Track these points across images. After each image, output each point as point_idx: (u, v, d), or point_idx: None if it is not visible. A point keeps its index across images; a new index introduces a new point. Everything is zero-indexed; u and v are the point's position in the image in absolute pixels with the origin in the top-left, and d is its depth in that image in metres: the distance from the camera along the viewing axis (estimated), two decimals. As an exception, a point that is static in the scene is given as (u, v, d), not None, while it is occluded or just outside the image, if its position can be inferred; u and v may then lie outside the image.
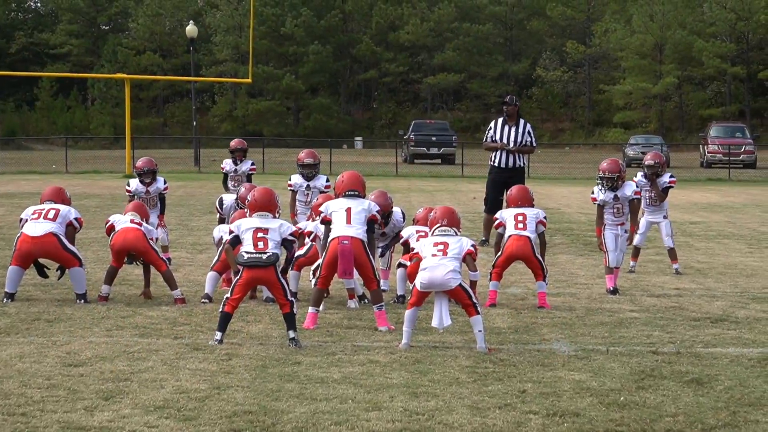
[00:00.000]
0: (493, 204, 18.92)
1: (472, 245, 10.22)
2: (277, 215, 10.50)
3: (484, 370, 8.89)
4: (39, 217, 12.28)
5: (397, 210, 12.79)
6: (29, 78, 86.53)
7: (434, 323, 9.92)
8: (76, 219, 12.45)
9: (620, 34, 79.09)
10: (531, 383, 8.46)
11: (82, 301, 12.06)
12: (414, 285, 10.02)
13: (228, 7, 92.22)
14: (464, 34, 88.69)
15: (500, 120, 19.14)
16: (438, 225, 10.28)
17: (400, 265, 12.28)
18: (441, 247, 9.99)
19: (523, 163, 19.31)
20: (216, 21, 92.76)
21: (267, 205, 10.46)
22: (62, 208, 12.47)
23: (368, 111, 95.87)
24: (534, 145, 19.27)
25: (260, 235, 10.14)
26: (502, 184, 18.87)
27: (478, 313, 9.78)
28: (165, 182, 16.09)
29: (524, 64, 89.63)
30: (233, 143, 18.23)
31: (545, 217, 12.59)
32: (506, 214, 12.68)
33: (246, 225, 10.27)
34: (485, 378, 8.63)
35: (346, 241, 10.85)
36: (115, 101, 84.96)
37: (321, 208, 11.42)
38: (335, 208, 11.18)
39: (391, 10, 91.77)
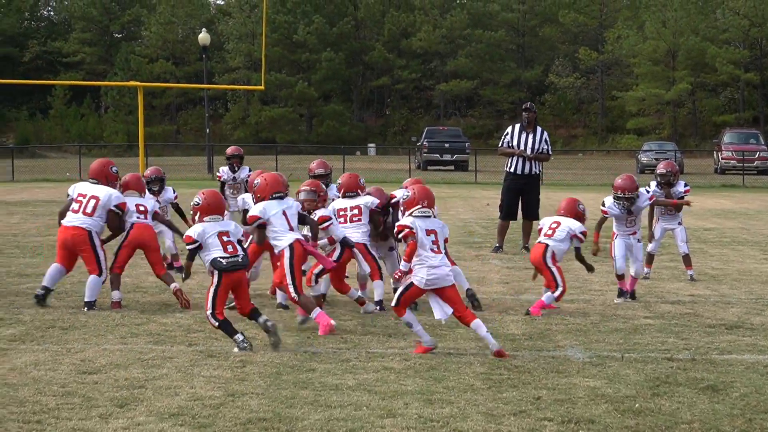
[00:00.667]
0: (508, 210, 18.88)
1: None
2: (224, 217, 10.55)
3: (499, 377, 8.87)
4: (79, 211, 12.30)
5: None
6: (43, 86, 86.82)
7: (439, 316, 9.88)
8: (117, 206, 12.37)
9: (633, 41, 79.04)
10: (546, 390, 8.44)
11: (87, 308, 12.04)
12: (411, 283, 9.89)
13: (240, 14, 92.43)
14: (477, 41, 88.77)
15: (517, 126, 19.05)
16: (418, 206, 10.09)
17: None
18: (433, 237, 9.90)
19: (539, 170, 19.25)
20: (228, 29, 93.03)
21: (221, 207, 10.46)
22: (102, 197, 12.33)
23: (381, 118, 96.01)
24: (550, 153, 19.22)
25: (225, 238, 10.12)
26: (518, 190, 18.85)
27: (474, 316, 9.81)
28: (174, 191, 15.74)
29: (537, 71, 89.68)
30: (230, 150, 17.99)
31: (583, 233, 12.46)
32: (545, 222, 12.68)
33: (210, 230, 10.16)
34: (500, 385, 8.61)
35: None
36: (129, 109, 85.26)
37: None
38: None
39: (403, 17, 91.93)
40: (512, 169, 18.95)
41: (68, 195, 12.61)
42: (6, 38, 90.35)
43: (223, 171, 17.88)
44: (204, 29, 57.97)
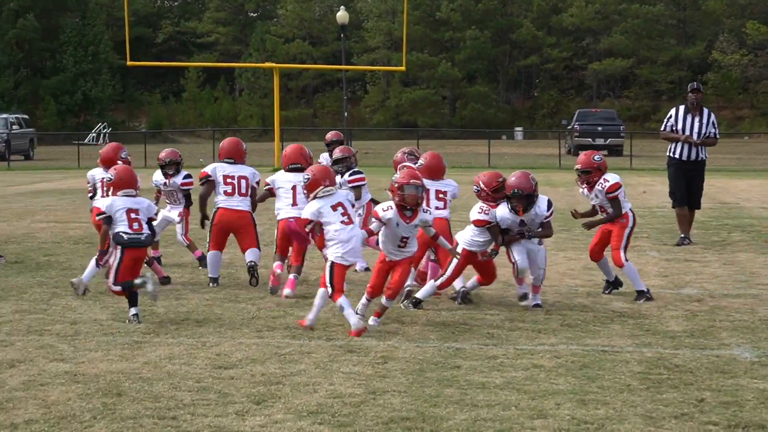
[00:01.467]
0: (681, 195, 18.47)
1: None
2: (137, 191, 11.31)
3: (658, 377, 8.76)
4: (234, 193, 13.19)
5: (543, 198, 12.09)
6: (176, 68, 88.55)
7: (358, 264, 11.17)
8: (257, 182, 13.44)
9: (806, 13, 77.04)
10: (710, 392, 8.30)
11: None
12: (332, 264, 10.50)
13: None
14: (633, 16, 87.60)
15: (681, 108, 18.68)
16: (321, 187, 10.76)
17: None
18: (341, 210, 10.64)
19: (706, 156, 18.80)
20: (368, 6, 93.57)
21: (133, 182, 11.27)
22: (249, 174, 13.33)
23: (529, 99, 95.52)
24: (717, 136, 18.76)
25: (133, 216, 11.00)
26: (683, 176, 18.50)
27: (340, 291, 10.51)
28: (187, 176, 15.35)
29: (699, 48, 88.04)
30: (329, 135, 17.91)
31: None
32: None
33: (118, 205, 11.01)
34: (659, 385, 8.50)
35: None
36: (264, 91, 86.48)
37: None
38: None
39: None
40: (677, 155, 18.57)
41: (209, 176, 13.40)
42: (139, 18, 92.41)
43: (323, 158, 18.19)
44: (342, 7, 58.37)
